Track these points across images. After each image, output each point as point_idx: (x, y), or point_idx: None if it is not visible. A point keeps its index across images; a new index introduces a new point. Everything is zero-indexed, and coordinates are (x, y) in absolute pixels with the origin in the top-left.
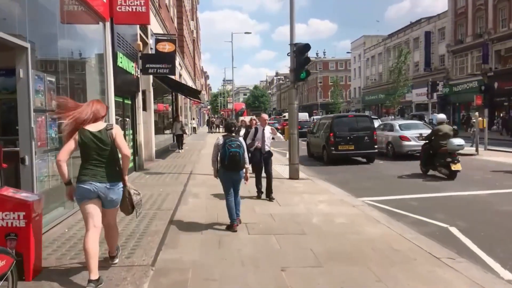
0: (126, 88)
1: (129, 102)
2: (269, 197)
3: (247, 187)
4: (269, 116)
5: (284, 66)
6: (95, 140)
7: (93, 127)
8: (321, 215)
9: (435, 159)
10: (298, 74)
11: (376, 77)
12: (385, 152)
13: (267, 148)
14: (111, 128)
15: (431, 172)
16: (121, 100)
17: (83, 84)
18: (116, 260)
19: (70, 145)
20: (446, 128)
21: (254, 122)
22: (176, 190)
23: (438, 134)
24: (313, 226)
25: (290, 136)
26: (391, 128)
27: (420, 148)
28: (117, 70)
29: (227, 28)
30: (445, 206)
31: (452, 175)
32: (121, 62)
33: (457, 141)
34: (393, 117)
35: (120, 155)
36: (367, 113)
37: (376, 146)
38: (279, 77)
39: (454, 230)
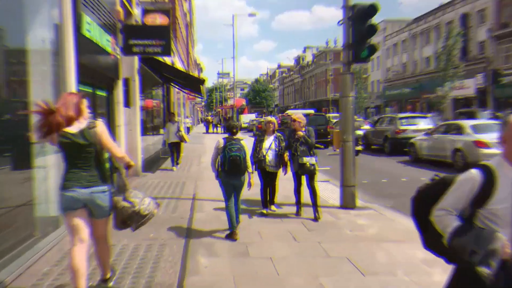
0: (99, 71)
1: (104, 94)
2: None
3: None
4: (270, 113)
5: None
6: (75, 142)
7: (73, 127)
8: None
9: None
10: (358, 52)
11: (399, 68)
12: (452, 162)
13: None
14: (94, 127)
15: None
16: (91, 91)
17: (21, 65)
18: (110, 284)
19: None
20: (356, 123)
21: (272, 126)
22: (177, 236)
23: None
24: None
25: (343, 145)
26: (458, 129)
27: None
28: (83, 42)
29: (221, 16)
30: None
31: (356, 153)
32: (88, 31)
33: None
34: (435, 113)
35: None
36: (388, 109)
37: (329, 136)
38: (281, 69)
39: None
